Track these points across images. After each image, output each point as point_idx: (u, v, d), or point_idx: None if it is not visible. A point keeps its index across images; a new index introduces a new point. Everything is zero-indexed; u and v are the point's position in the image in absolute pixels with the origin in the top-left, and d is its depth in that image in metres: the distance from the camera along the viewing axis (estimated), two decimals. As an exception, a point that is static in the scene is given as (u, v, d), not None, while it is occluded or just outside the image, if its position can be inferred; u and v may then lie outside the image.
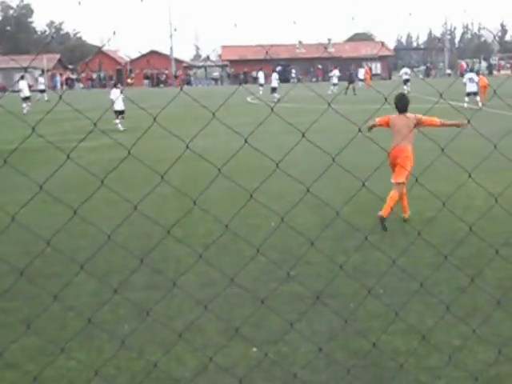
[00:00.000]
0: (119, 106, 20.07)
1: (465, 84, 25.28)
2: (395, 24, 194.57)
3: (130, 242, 6.58)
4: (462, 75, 74.63)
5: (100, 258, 6.08)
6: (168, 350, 4.03)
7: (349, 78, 40.19)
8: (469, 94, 25.11)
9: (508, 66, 78.31)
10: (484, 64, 72.30)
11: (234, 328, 4.19)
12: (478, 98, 24.77)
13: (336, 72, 42.82)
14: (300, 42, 78.14)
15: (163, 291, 5.08)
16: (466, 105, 24.54)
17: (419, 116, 7.35)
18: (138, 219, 7.35)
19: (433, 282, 5.25)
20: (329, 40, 78.07)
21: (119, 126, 20.28)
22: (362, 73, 51.84)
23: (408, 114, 7.50)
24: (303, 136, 2.69)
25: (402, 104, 7.54)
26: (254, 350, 4.22)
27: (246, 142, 2.59)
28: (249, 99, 31.56)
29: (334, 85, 41.29)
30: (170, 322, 4.63)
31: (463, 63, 79.01)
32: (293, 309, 4.82)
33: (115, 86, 21.91)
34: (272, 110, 2.37)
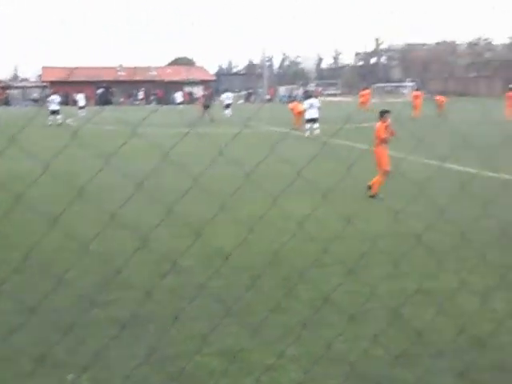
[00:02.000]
0: None
1: (305, 110, 23.40)
2: (217, 51, 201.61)
3: None
4: (271, 99, 77.73)
5: None
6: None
7: (204, 101, 35.61)
8: (309, 121, 23.05)
9: (325, 92, 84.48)
10: (301, 90, 74.92)
11: (49, 355, 3.99)
12: (317, 125, 22.85)
13: (229, 94, 39.78)
14: (121, 65, 77.27)
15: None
16: (307, 133, 22.67)
17: (377, 125, 10.58)
18: None
19: (248, 303, 5.37)
20: (149, 64, 78.10)
21: None
22: (180, 96, 54.39)
23: (378, 123, 10.62)
24: (119, 146, 2.61)
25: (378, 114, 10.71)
26: (70, 376, 4.03)
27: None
28: (61, 121, 30.28)
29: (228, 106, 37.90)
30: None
31: (274, 88, 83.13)
32: (109, 334, 4.64)
33: None
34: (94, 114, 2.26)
